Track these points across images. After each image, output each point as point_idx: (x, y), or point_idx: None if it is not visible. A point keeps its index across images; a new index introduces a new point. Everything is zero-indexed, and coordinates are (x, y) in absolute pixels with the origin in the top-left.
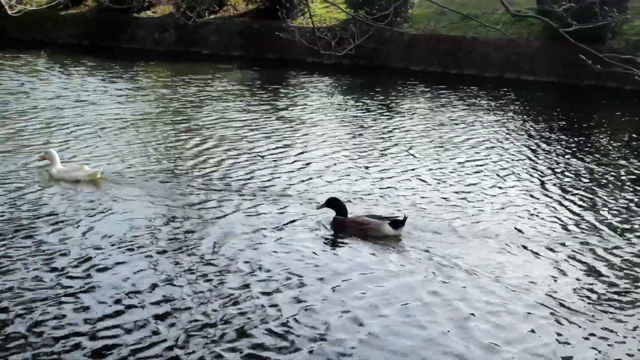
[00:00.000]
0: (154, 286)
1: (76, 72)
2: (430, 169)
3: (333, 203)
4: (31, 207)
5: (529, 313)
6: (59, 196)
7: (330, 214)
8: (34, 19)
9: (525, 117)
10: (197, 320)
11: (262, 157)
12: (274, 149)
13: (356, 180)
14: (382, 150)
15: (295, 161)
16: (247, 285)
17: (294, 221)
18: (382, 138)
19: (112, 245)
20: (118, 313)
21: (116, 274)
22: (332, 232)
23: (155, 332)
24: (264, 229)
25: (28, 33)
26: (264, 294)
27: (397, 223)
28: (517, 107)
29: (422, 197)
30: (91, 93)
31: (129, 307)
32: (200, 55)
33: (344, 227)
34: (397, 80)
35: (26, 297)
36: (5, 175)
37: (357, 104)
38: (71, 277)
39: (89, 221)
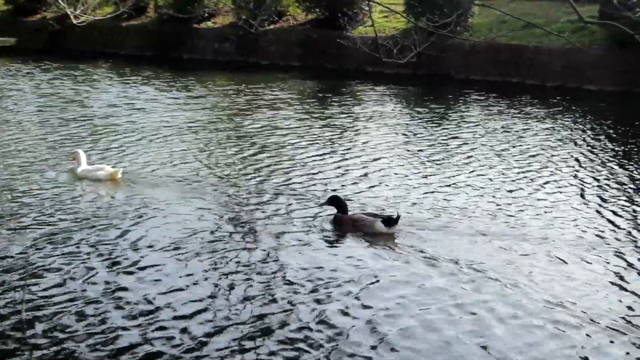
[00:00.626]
0: (188, 287)
1: (134, 82)
2: (478, 176)
3: (334, 201)
4: (78, 210)
5: (560, 326)
6: (103, 199)
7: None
8: (96, 30)
9: (581, 126)
10: (223, 321)
11: (314, 164)
12: (326, 156)
13: (404, 186)
14: (432, 158)
15: (346, 168)
16: (296, 291)
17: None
18: (433, 146)
19: (152, 247)
20: (154, 313)
21: (155, 275)
22: (332, 229)
23: (186, 333)
24: (309, 233)
25: (90, 44)
26: (316, 300)
27: (389, 221)
28: (575, 117)
29: (466, 204)
30: (146, 101)
31: (164, 307)
32: (259, 65)
33: (342, 224)
34: (455, 90)
35: (71, 300)
36: (56, 180)
37: (413, 112)
38: (109, 279)
39: (133, 224)
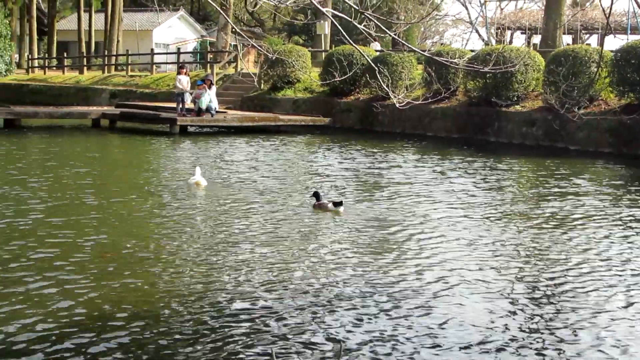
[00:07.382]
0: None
1: (439, 160)
2: None
3: (315, 194)
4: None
5: None
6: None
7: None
8: (404, 112)
9: None
10: None
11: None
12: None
13: None
14: None
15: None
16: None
17: None
18: None
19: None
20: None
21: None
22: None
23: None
24: None
25: (397, 125)
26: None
27: (336, 203)
28: None
29: None
30: (449, 179)
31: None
32: (567, 151)
33: (314, 208)
34: None
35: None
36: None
37: None
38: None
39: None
